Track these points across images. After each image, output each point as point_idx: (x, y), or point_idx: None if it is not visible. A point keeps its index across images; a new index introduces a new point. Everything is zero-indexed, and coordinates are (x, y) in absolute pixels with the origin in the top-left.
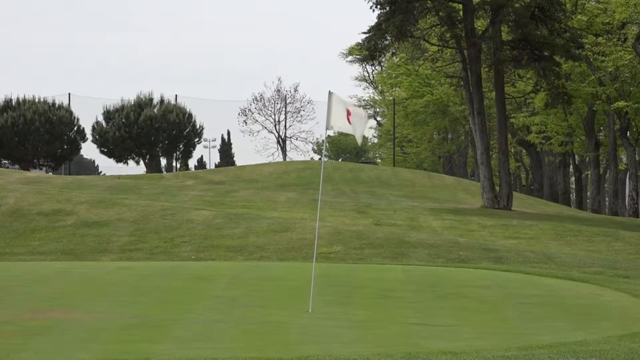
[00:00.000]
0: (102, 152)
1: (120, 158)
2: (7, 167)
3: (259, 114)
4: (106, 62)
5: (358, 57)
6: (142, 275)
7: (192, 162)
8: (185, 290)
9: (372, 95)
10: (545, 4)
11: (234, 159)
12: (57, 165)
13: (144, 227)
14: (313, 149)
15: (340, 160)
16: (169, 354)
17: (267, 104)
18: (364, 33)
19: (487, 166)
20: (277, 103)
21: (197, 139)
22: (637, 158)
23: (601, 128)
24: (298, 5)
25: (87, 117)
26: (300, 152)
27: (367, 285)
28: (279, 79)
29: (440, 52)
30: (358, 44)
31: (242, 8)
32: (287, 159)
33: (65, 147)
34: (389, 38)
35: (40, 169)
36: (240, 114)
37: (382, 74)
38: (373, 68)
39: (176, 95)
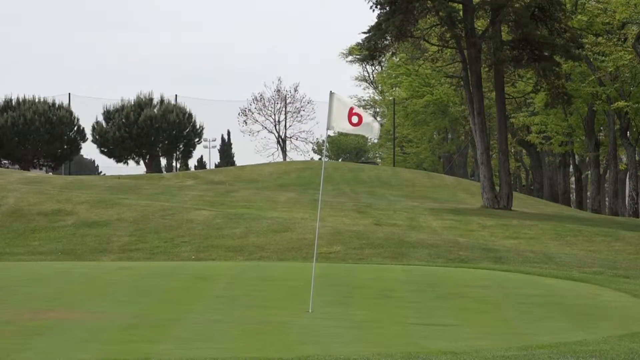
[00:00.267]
0: (102, 152)
1: (120, 158)
2: (7, 167)
3: (259, 114)
4: (106, 62)
5: (358, 57)
6: (142, 275)
7: (192, 162)
8: (185, 290)
9: (372, 95)
10: (545, 4)
11: (234, 159)
12: (57, 165)
13: (144, 227)
14: (313, 149)
15: (340, 160)
16: (169, 354)
17: (267, 104)
18: (364, 33)
19: (487, 166)
20: (277, 103)
21: (197, 139)
22: (637, 158)
23: (601, 128)
24: (298, 5)
25: (87, 117)
26: (300, 152)
27: (367, 285)
28: (279, 79)
29: (440, 52)
30: (358, 44)
31: (242, 8)
32: (287, 159)
33: (65, 147)
34: (389, 38)
35: (40, 169)
36: (240, 114)
37: (382, 74)
38: (373, 68)
39: (176, 95)
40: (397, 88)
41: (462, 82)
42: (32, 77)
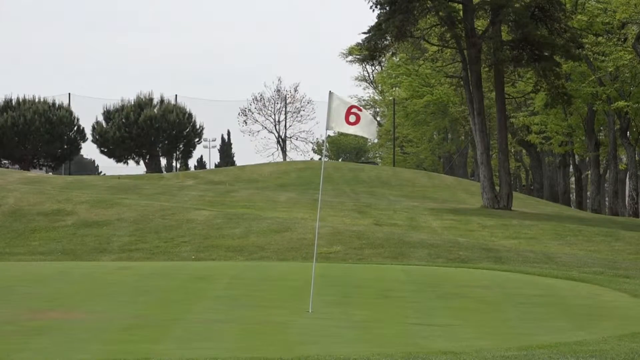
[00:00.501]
0: (102, 152)
1: (120, 158)
2: (7, 167)
3: (259, 114)
4: (106, 62)
5: (358, 57)
6: (142, 275)
7: (192, 162)
8: (185, 290)
9: (372, 95)
10: (545, 4)
11: (234, 159)
12: (57, 165)
13: (144, 227)
14: (313, 149)
15: (340, 160)
16: (169, 354)
17: (267, 104)
18: (364, 33)
19: (487, 166)
20: (277, 103)
21: (197, 139)
22: (637, 158)
23: (601, 128)
24: (298, 5)
25: (87, 117)
26: (300, 152)
27: (367, 285)
28: (279, 79)
29: (440, 52)
30: (358, 44)
31: (241, 8)
32: (287, 159)
33: (65, 147)
34: (389, 38)
35: (40, 169)
36: (240, 114)
37: (382, 74)
38: (373, 68)
39: (176, 95)
40: (397, 88)
41: (462, 82)
42: (32, 77)
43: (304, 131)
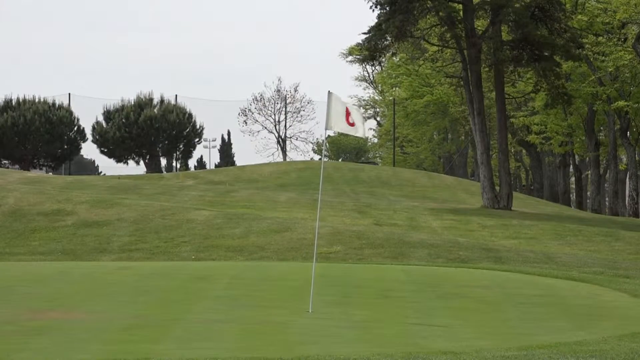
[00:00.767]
0: (102, 152)
1: (120, 158)
2: (7, 167)
3: (259, 114)
4: (106, 62)
5: (358, 57)
6: (142, 275)
7: (192, 162)
8: (185, 290)
9: (372, 95)
10: (545, 4)
11: (234, 159)
12: (57, 165)
13: (144, 227)
14: (313, 149)
15: (340, 160)
16: (169, 354)
17: (267, 104)
18: (364, 33)
19: (487, 166)
20: (277, 103)
21: (197, 139)
22: (637, 158)
23: (601, 128)
24: (298, 5)
25: (87, 117)
26: (300, 152)
27: (367, 285)
28: (279, 79)
29: (440, 52)
30: (358, 44)
31: (242, 8)
32: (287, 159)
33: (65, 147)
34: (389, 38)
35: (40, 169)
36: (240, 114)
37: (382, 74)
38: (373, 68)
39: (176, 95)
40: (397, 88)
41: (462, 82)
42: (32, 77)
43: (304, 131)
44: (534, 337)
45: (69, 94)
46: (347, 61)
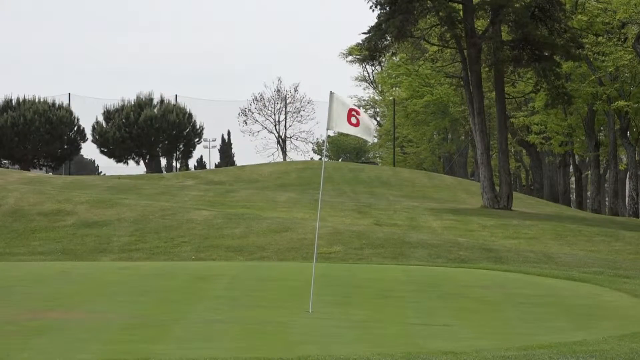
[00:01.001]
0: (102, 152)
1: (120, 158)
2: (7, 167)
3: (259, 114)
4: (106, 62)
5: (358, 57)
6: (142, 275)
7: (192, 162)
8: (185, 290)
9: (372, 95)
10: (545, 4)
11: (234, 159)
12: (57, 165)
13: (144, 227)
14: (313, 149)
15: (340, 160)
16: (169, 354)
17: (267, 104)
18: (364, 33)
19: (487, 166)
20: (277, 103)
21: (197, 139)
22: (637, 158)
23: (601, 128)
24: (298, 5)
25: (87, 117)
26: (300, 152)
27: (367, 285)
28: (279, 79)
29: (440, 52)
30: (358, 44)
31: (241, 8)
32: (287, 159)
33: (65, 147)
34: (389, 38)
35: (40, 169)
36: (240, 114)
37: (382, 74)
38: (373, 68)
39: (176, 95)
40: (397, 88)
41: (462, 82)
42: (32, 77)
43: (304, 131)
44: (534, 337)
45: (69, 94)
46: (347, 61)
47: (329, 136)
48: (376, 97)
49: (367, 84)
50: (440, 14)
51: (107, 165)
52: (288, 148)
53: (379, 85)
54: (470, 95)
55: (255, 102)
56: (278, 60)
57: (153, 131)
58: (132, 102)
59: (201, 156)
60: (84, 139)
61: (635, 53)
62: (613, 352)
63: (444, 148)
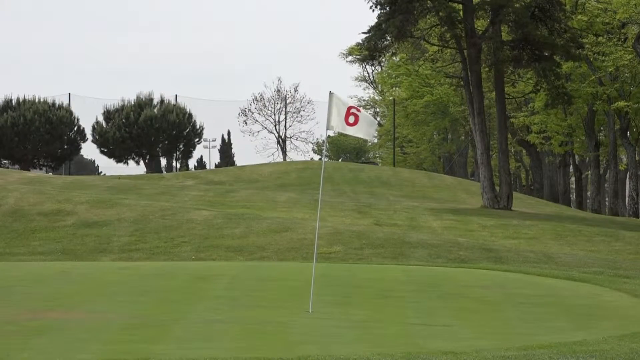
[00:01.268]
0: (102, 152)
1: (120, 158)
2: (7, 167)
3: (259, 114)
4: (106, 62)
5: (358, 57)
6: (142, 275)
7: (192, 162)
8: (185, 290)
9: (372, 95)
10: (546, 4)
11: (234, 159)
12: (57, 165)
13: (144, 227)
14: (313, 149)
15: (340, 160)
16: (169, 354)
17: (267, 104)
18: (364, 33)
19: (487, 166)
20: (277, 103)
21: (197, 139)
22: (637, 158)
23: (601, 128)
24: (298, 5)
25: (87, 117)
26: (300, 152)
27: (367, 285)
28: (279, 79)
29: (440, 52)
30: (358, 44)
31: (241, 8)
32: (287, 159)
33: (65, 147)
34: (389, 38)
35: (40, 169)
36: (240, 114)
37: (382, 74)
38: (373, 68)
39: (176, 95)
40: (397, 88)
41: (462, 82)
42: (32, 77)
43: (304, 131)
44: (534, 337)
45: (69, 94)
46: (347, 61)
47: (329, 136)
48: (376, 97)
49: (367, 84)
50: (440, 14)
51: (107, 165)
52: (288, 148)
53: (379, 85)
54: (470, 95)
55: (255, 102)
56: (278, 60)
57: (153, 131)
58: (132, 102)
59: (201, 156)
60: (84, 139)
61: (635, 53)
62: (613, 352)
63: (444, 148)
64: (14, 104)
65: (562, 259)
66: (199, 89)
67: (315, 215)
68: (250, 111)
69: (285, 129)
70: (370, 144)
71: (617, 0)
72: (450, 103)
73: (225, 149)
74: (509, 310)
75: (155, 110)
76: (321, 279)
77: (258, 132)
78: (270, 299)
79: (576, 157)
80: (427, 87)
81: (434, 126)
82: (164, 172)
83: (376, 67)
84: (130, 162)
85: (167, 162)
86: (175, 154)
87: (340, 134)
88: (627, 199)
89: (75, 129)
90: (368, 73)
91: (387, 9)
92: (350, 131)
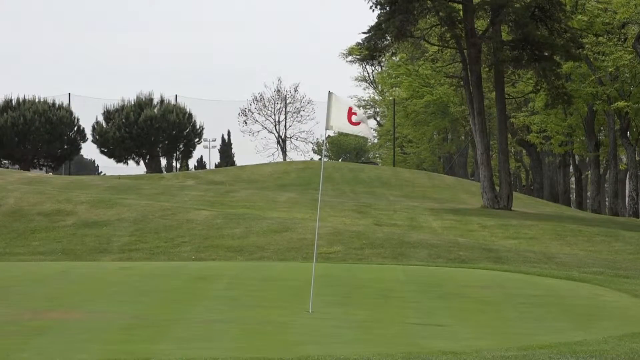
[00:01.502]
0: (102, 152)
1: (120, 158)
2: (7, 167)
3: (259, 114)
4: (106, 62)
5: (358, 57)
6: (142, 275)
7: (192, 162)
8: (185, 290)
9: (372, 95)
10: (545, 4)
11: (234, 159)
12: (57, 165)
13: (144, 227)
14: (313, 149)
15: (340, 160)
16: (169, 354)
17: (267, 104)
18: (364, 33)
19: (487, 166)
20: (277, 103)
21: (197, 139)
22: (637, 158)
23: (601, 128)
24: (298, 5)
25: (87, 117)
26: (300, 152)
27: (367, 285)
28: (279, 79)
29: (440, 52)
30: (358, 44)
31: (241, 8)
32: (287, 159)
33: (65, 147)
34: (389, 38)
35: (41, 169)
36: (240, 114)
37: (382, 74)
38: (373, 68)
39: (176, 95)
40: (397, 88)
41: (462, 82)
42: (32, 77)
43: (304, 131)
44: (534, 337)
45: (69, 94)
46: (347, 61)
47: (329, 136)
48: (376, 97)
49: (367, 84)
50: (440, 14)
51: (107, 165)
52: (288, 148)
53: (379, 85)
54: (470, 95)
55: (255, 102)
56: (278, 60)
57: (153, 131)
58: (132, 102)
59: (201, 156)
60: (84, 139)
61: (635, 53)
62: (613, 352)
63: (444, 148)
64: (14, 104)
65: (562, 259)
66: (199, 89)
67: (315, 215)
68: (250, 111)
69: (285, 129)
70: (370, 143)
71: (617, 0)
72: (450, 103)
73: (225, 149)
74: (509, 310)
75: (155, 110)
76: (321, 279)
77: (258, 132)
78: (270, 299)
79: (576, 157)
80: (427, 87)
81: (434, 126)
82: (164, 172)
83: (376, 67)
84: (130, 162)
85: (167, 162)
86: (175, 154)
87: (341, 134)
88: (627, 199)
89: (75, 129)
90: (368, 73)
91: (387, 9)
92: (353, 130)
